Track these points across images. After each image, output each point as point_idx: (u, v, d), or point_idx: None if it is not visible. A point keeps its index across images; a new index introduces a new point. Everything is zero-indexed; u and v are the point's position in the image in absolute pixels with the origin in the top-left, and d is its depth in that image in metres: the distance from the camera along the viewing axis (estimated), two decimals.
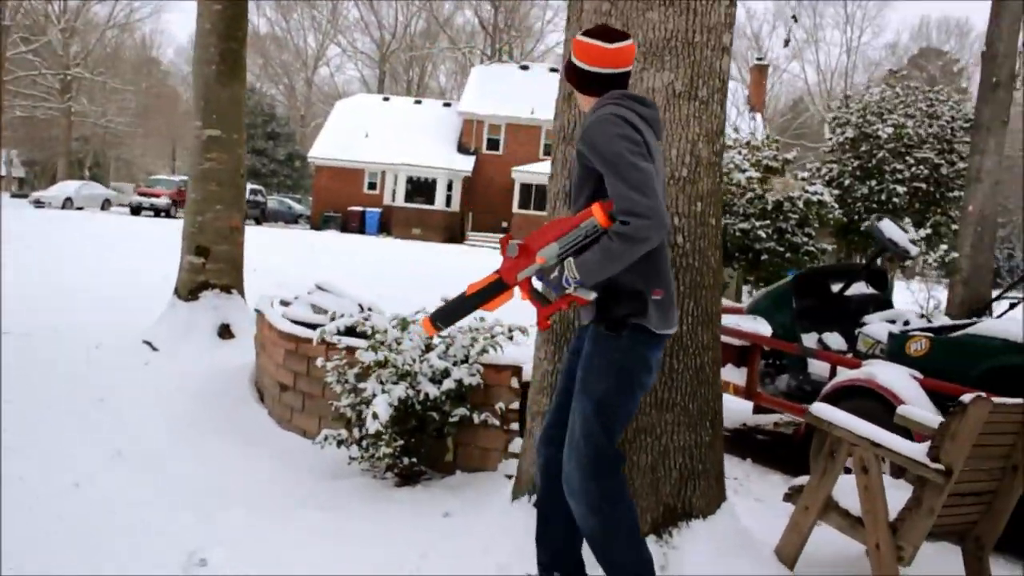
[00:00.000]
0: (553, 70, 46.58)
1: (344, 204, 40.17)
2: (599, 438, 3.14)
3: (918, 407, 4.81)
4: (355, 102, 46.19)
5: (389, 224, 39.45)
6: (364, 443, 4.87)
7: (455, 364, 4.86)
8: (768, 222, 16.26)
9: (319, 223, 39.72)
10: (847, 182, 19.23)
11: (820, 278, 6.50)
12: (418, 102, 46.98)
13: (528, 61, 53.37)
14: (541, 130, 42.20)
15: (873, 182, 19.10)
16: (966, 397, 3.55)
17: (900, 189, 18.94)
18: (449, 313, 3.30)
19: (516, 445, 4.91)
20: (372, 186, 41.33)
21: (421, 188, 40.31)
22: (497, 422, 4.82)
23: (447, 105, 46.04)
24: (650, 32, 3.73)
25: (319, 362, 5.17)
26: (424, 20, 64.01)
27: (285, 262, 16.24)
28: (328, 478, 4.96)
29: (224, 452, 5.35)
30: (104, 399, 6.31)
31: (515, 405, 4.93)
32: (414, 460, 4.77)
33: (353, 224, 39.06)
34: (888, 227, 6.08)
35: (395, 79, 65.64)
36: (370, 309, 7.12)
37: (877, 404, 5.00)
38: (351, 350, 5.08)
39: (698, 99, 3.78)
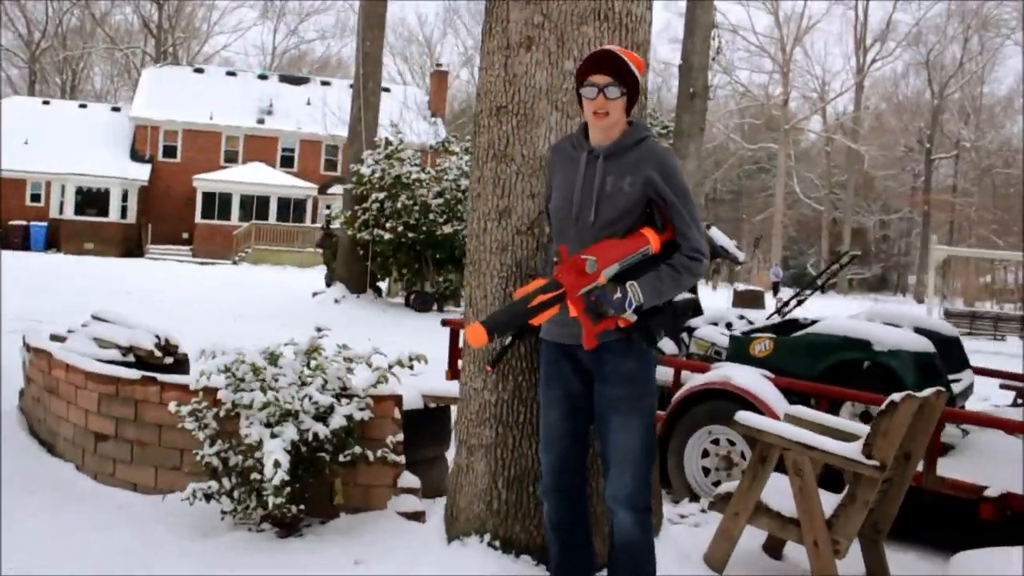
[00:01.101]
0: (231, 73, 44.91)
1: (3, 218, 36.28)
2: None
3: (778, 405, 5.11)
4: (9, 106, 41.84)
5: (58, 238, 36.17)
6: (236, 494, 4.39)
7: (336, 398, 4.50)
8: None
9: None
10: None
11: None
12: (83, 106, 43.51)
13: (198, 64, 51.02)
14: (222, 136, 40.62)
15: None
16: (896, 396, 3.78)
17: None
18: (505, 323, 3.14)
19: (405, 480, 4.63)
20: (36, 198, 37.74)
21: (93, 199, 37.43)
22: (396, 457, 4.52)
23: (116, 110, 43.05)
24: (586, 47, 3.64)
25: (172, 406, 4.58)
26: (77, 17, 59.24)
27: None
28: (199, 536, 4.39)
29: (51, 516, 4.59)
30: None
31: (400, 437, 4.64)
32: (302, 508, 4.36)
33: (16, 240, 35.31)
34: (717, 235, 6.41)
35: (47, 80, 60.24)
36: (167, 340, 6.48)
37: (733, 405, 5.21)
38: (210, 391, 4.56)
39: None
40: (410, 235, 16.30)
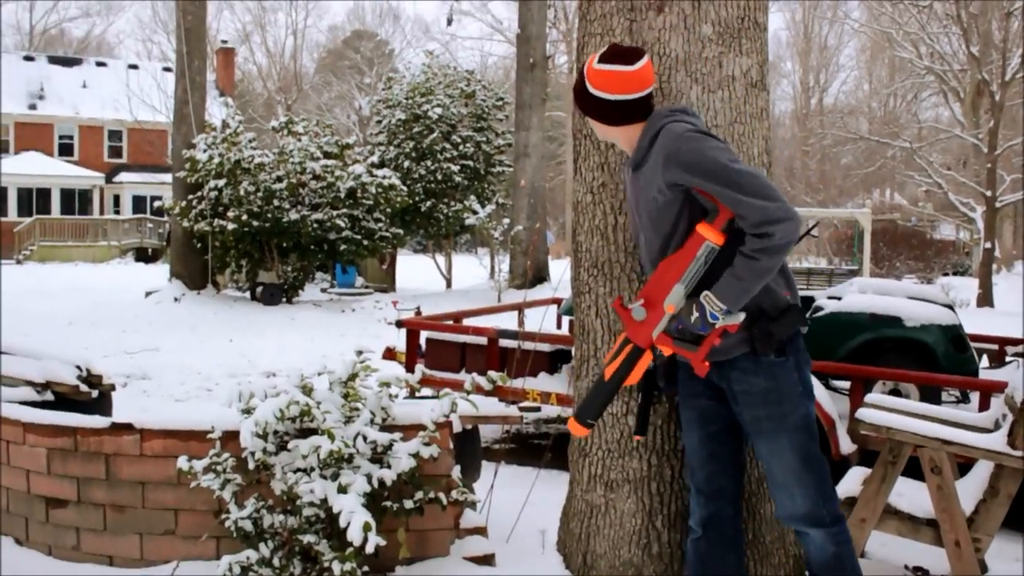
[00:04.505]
0: None
1: None
2: (817, 459, 2.95)
3: (830, 404, 4.84)
4: None
5: None
6: (277, 561, 3.66)
7: (386, 431, 3.82)
8: (345, 210, 15.77)
9: None
10: (406, 164, 19.28)
11: None
12: None
13: None
14: None
15: (429, 162, 19.39)
16: None
17: (454, 168, 19.46)
18: (595, 405, 2.96)
19: (468, 519, 4.02)
20: None
21: None
22: (465, 496, 3.89)
23: None
24: (722, 9, 3.14)
25: (183, 462, 3.75)
26: None
27: None
28: None
29: None
30: None
31: (458, 471, 4.02)
32: (366, 570, 3.67)
33: None
34: None
35: None
36: (88, 370, 5.54)
37: None
38: (230, 437, 3.78)
39: (767, 89, 3.28)
40: (255, 223, 15.13)
